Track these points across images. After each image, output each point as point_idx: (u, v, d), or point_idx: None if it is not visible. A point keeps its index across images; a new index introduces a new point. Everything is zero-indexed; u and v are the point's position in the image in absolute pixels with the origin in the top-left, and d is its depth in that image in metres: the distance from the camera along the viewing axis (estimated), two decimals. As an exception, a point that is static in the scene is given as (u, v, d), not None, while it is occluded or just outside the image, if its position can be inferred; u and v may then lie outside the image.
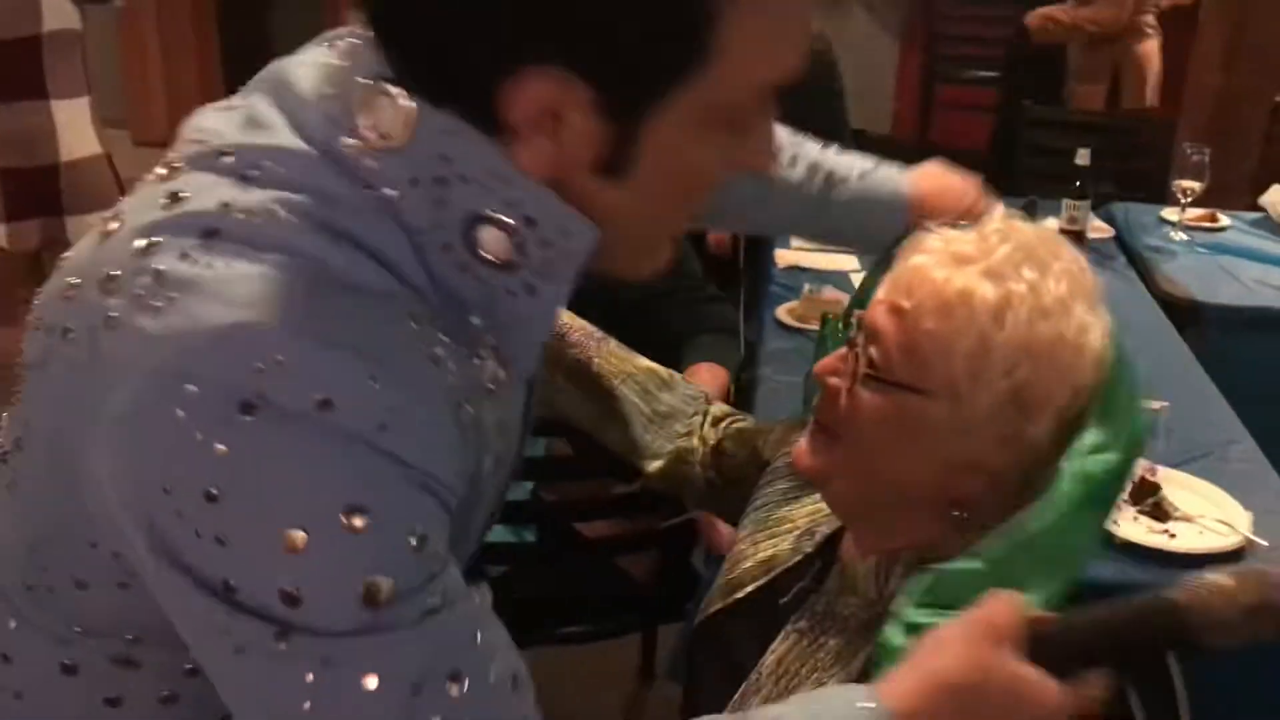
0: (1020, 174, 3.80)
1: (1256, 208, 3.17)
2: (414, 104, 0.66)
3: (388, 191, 0.67)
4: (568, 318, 1.24)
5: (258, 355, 0.62)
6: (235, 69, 6.37)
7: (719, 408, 1.28)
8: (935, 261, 0.91)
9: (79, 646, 0.78)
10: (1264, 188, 3.26)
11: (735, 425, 1.26)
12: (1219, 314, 2.53)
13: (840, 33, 3.78)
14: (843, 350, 0.96)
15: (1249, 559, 1.58)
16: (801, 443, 1.00)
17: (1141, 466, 1.71)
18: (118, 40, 6.00)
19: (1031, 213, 2.84)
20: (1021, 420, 0.88)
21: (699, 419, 1.26)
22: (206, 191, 0.68)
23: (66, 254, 0.76)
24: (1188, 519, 1.64)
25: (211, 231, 0.66)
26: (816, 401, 0.99)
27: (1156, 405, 1.90)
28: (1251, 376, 2.34)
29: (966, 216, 1.01)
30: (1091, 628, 0.78)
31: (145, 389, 0.63)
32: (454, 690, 0.66)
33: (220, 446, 0.62)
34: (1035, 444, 0.89)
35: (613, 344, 1.26)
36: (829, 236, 1.37)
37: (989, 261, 0.89)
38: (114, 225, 0.72)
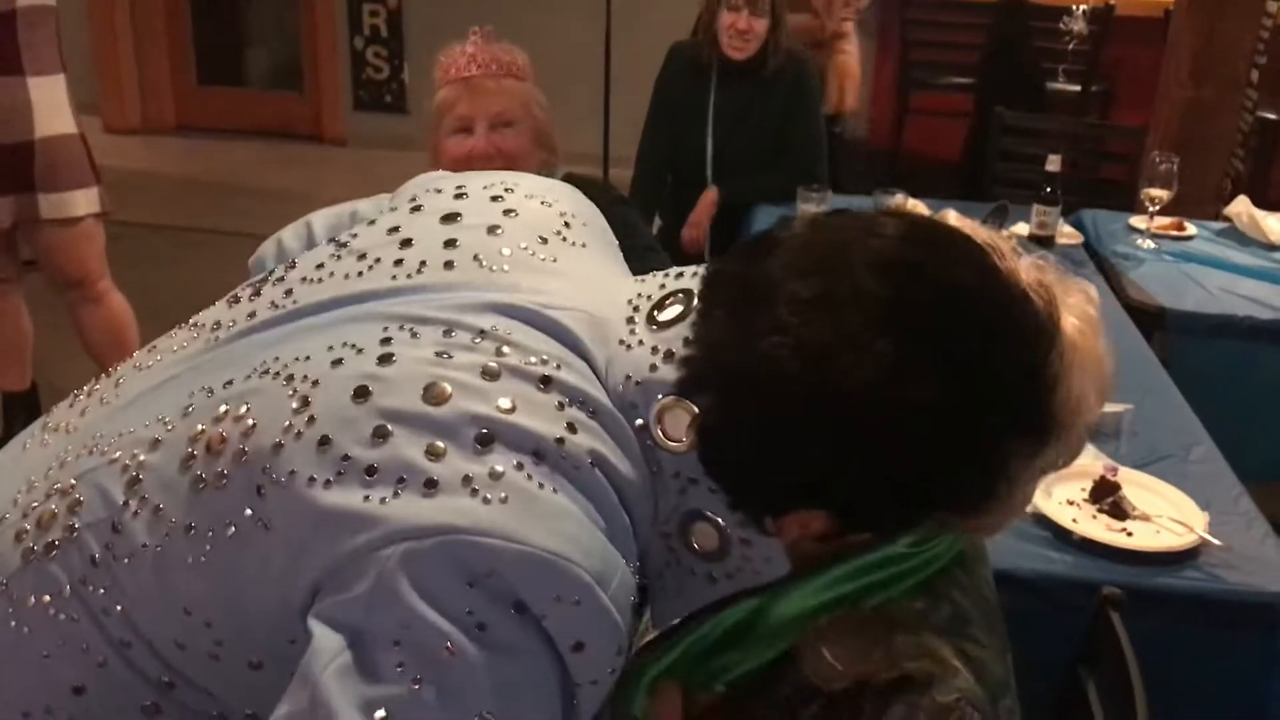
0: (992, 180, 3.83)
1: (1223, 217, 3.21)
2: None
3: (656, 474, 0.82)
4: None
5: (560, 589, 0.73)
6: (207, 57, 6.33)
7: None
8: None
9: (187, 695, 0.83)
10: (1230, 198, 3.30)
11: None
12: (1184, 320, 2.55)
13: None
14: None
15: (1204, 558, 1.60)
16: None
17: (1103, 466, 1.73)
18: (89, 26, 5.95)
19: (1002, 217, 2.87)
20: None
21: None
22: (539, 414, 0.78)
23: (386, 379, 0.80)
24: (1145, 518, 1.66)
25: (541, 455, 0.77)
26: None
27: (1120, 408, 1.92)
28: (1214, 382, 2.37)
29: None
30: (747, 699, 0.92)
31: (445, 553, 0.72)
32: None
33: (481, 619, 0.72)
34: None
35: None
36: None
37: None
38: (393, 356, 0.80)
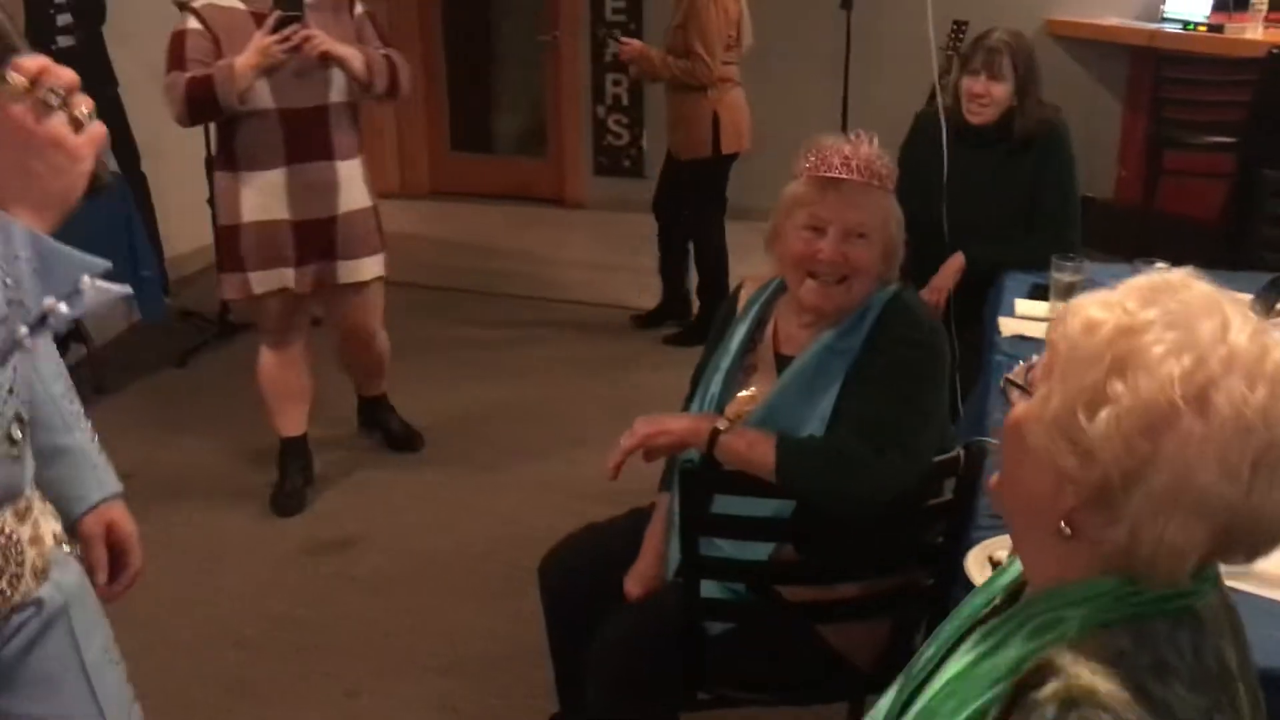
0: (1258, 247, 3.60)
1: None
2: None
3: None
4: None
5: None
6: (459, 124, 6.72)
7: None
8: (1083, 297, 1.04)
9: None
10: None
11: None
12: None
13: (1064, 96, 3.70)
14: None
15: None
16: None
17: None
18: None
19: (1278, 294, 2.69)
20: (1086, 418, 0.95)
21: None
22: None
23: None
24: None
25: None
26: None
27: None
28: None
29: None
30: None
31: None
32: None
33: None
34: (1096, 450, 0.94)
35: None
36: None
37: (1109, 294, 1.00)
38: None
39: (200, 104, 2.95)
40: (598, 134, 6.28)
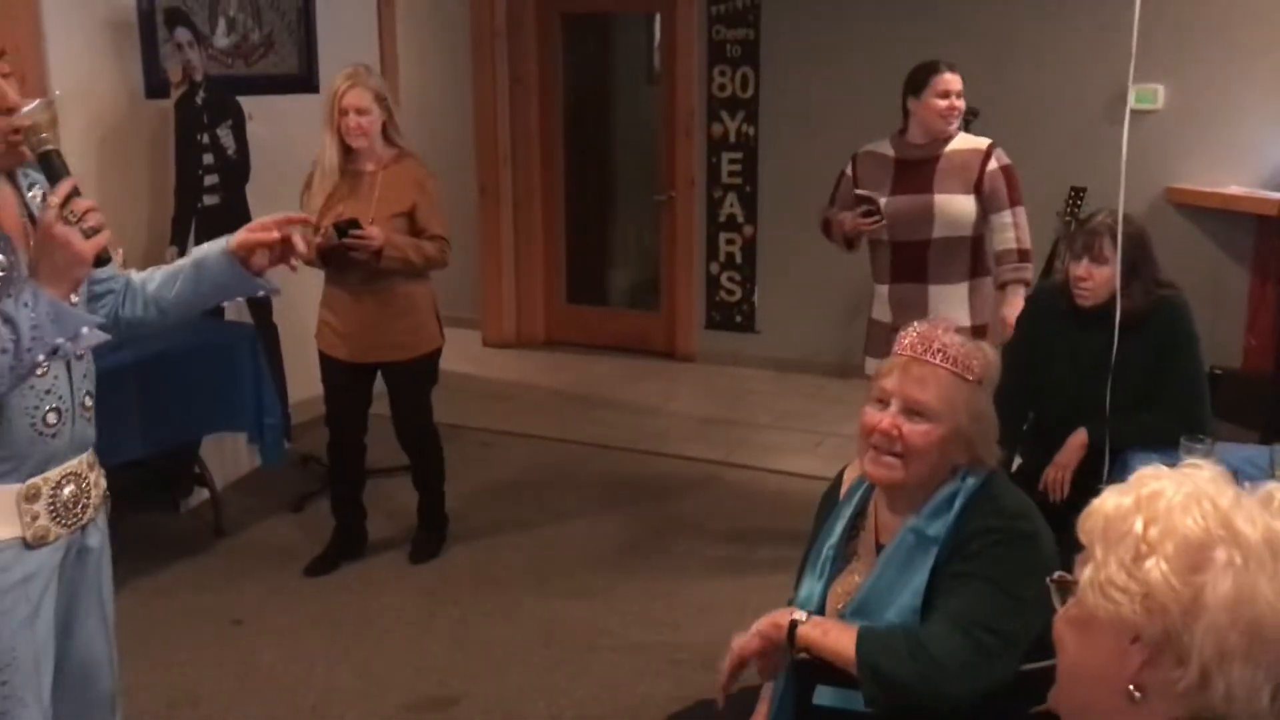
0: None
1: None
2: None
3: None
4: None
5: None
6: (575, 277, 6.91)
7: None
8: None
9: None
10: None
11: None
12: None
13: (1186, 264, 3.64)
14: None
15: None
16: None
17: None
18: (477, 251, 6.67)
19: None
20: (1136, 567, 1.04)
21: None
22: None
23: None
24: None
25: None
26: None
27: None
28: None
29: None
30: None
31: None
32: None
33: None
34: (1153, 592, 1.02)
35: None
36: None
37: (1122, 485, 1.12)
38: None
39: (827, 236, 3.96)
40: (710, 289, 6.37)
